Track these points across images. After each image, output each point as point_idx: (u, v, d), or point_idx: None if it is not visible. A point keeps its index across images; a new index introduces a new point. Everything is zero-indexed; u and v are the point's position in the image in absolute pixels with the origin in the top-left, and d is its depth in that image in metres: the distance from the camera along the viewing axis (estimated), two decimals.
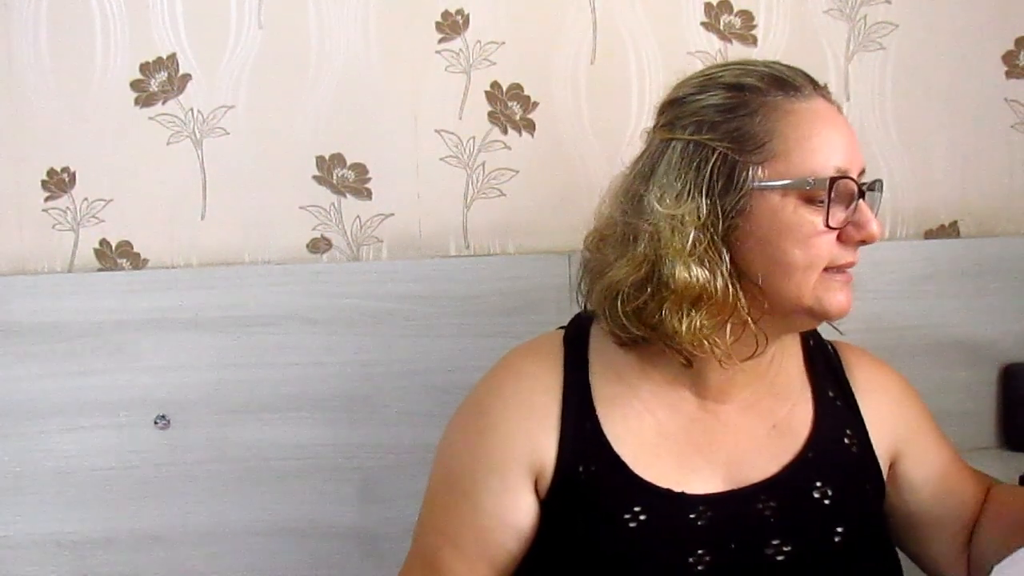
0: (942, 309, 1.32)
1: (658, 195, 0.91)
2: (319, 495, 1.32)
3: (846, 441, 0.99)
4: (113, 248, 1.34)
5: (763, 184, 0.89)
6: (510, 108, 1.35)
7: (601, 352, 0.98)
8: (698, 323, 0.90)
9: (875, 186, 0.93)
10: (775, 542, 0.93)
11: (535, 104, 1.35)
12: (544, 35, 1.35)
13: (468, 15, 1.34)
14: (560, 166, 1.34)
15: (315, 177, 1.35)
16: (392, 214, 1.36)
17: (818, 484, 0.96)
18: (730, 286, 0.90)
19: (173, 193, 1.34)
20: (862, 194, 0.90)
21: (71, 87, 1.33)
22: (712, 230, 0.90)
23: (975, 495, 1.01)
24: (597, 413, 0.96)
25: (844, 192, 0.90)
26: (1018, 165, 1.37)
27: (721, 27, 1.35)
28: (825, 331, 1.05)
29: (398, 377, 1.30)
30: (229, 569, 1.32)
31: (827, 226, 0.89)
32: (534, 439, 0.95)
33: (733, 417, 0.98)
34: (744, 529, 0.94)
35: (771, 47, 1.35)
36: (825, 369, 1.03)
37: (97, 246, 1.34)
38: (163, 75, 1.33)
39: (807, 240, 0.89)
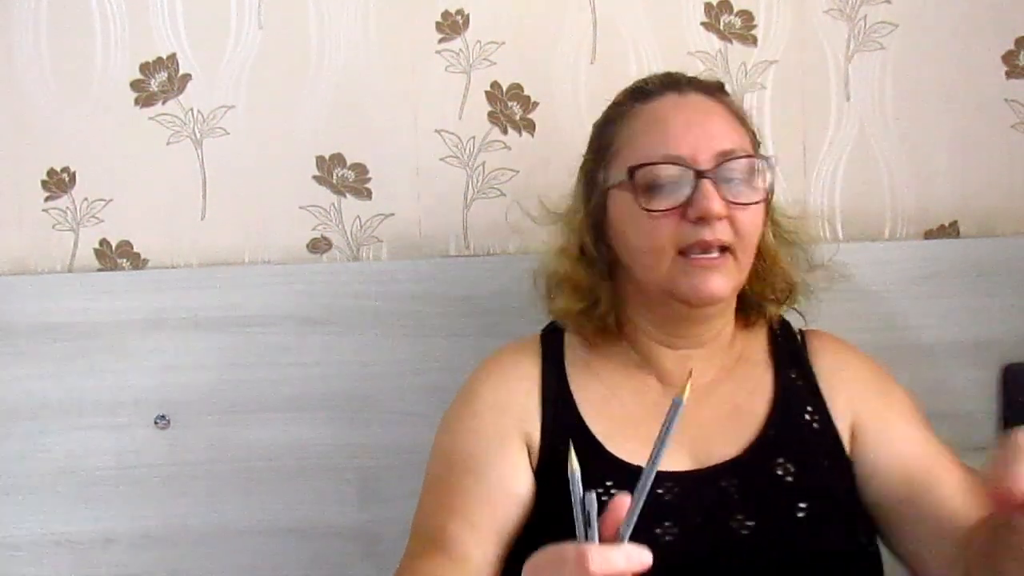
0: (942, 309, 1.32)
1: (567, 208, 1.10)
2: (319, 495, 1.32)
3: (807, 417, 1.02)
4: (113, 248, 1.34)
5: (608, 184, 1.02)
6: (510, 108, 1.35)
7: (574, 347, 1.08)
8: (565, 305, 1.06)
9: (731, 162, 0.98)
10: (739, 517, 0.96)
11: (535, 104, 1.35)
12: (544, 35, 1.35)
13: (468, 15, 1.34)
14: (560, 166, 1.34)
15: (315, 177, 1.35)
16: (392, 214, 1.36)
17: (779, 461, 0.98)
18: (600, 278, 1.04)
19: (173, 193, 1.34)
20: (700, 175, 0.96)
21: (71, 87, 1.33)
22: (585, 230, 1.05)
23: (962, 500, 0.98)
24: (573, 397, 1.04)
25: (649, 178, 0.98)
26: (1018, 165, 1.37)
27: (721, 27, 1.35)
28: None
29: (398, 377, 1.30)
30: (229, 569, 1.32)
31: (645, 209, 0.97)
32: (523, 412, 1.03)
33: (694, 401, 1.00)
34: (709, 504, 0.97)
35: (771, 47, 1.35)
36: (788, 354, 1.07)
37: (97, 246, 1.34)
38: (163, 75, 1.33)
39: (640, 225, 0.99)
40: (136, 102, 1.34)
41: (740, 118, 1.06)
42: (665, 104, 1.03)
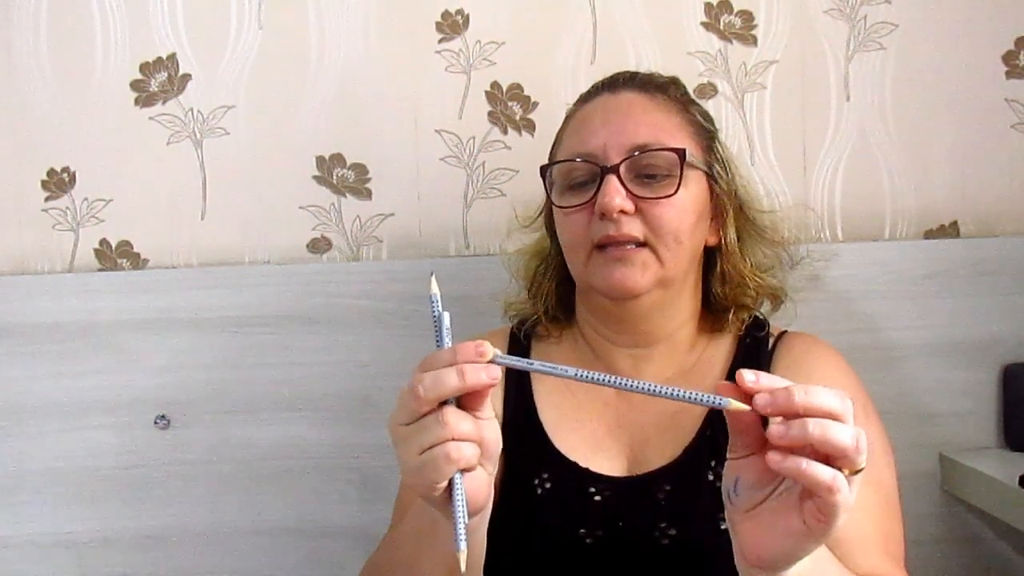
0: (942, 309, 1.32)
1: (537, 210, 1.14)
2: (319, 495, 1.32)
3: None
4: (113, 248, 1.34)
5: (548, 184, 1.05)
6: (510, 108, 1.35)
7: (542, 338, 1.11)
8: (517, 302, 1.13)
9: (642, 156, 0.97)
10: (662, 525, 0.95)
11: (535, 104, 1.35)
12: (544, 35, 1.35)
13: (468, 15, 1.34)
14: None
15: (315, 177, 1.35)
16: (392, 214, 1.36)
17: (712, 464, 0.96)
18: (552, 276, 1.09)
19: (173, 193, 1.34)
20: (606, 171, 0.96)
21: (71, 87, 1.33)
22: (544, 230, 1.11)
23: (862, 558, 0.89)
24: (532, 386, 1.05)
25: (564, 176, 1.01)
26: (1018, 165, 1.37)
27: (721, 27, 1.35)
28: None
29: (398, 377, 1.30)
30: (229, 569, 1.32)
31: (558, 207, 1.01)
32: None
33: (643, 402, 1.02)
34: (636, 511, 0.96)
35: (771, 47, 1.35)
36: (750, 356, 1.04)
37: (97, 246, 1.34)
38: (163, 75, 1.33)
39: (561, 223, 1.02)
40: (136, 102, 1.34)
41: (685, 112, 1.03)
42: (595, 104, 1.04)
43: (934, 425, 1.31)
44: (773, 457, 0.65)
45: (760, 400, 0.66)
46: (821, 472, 0.64)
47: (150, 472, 1.31)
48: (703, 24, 1.35)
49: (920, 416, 1.31)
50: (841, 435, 0.65)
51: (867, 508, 0.91)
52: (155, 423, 1.31)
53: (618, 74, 1.07)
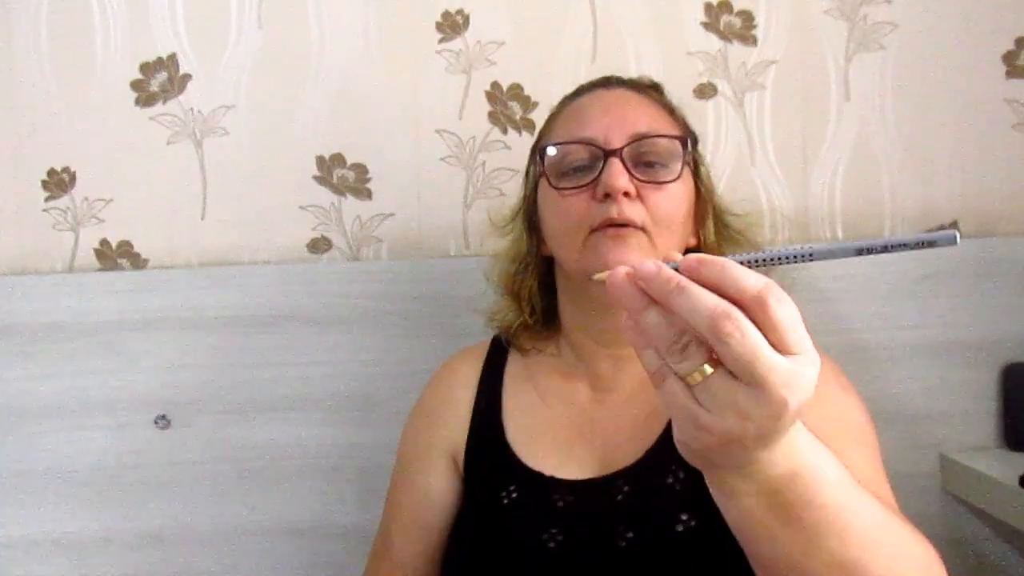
0: (942, 309, 1.32)
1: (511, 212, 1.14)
2: (319, 495, 1.32)
3: None
4: (113, 248, 1.35)
5: (535, 175, 1.06)
6: (510, 108, 1.35)
7: (525, 351, 1.11)
8: (499, 312, 1.12)
9: (643, 142, 0.98)
10: (620, 528, 0.94)
11: (535, 104, 1.35)
12: (544, 35, 1.35)
13: (468, 15, 1.34)
14: None
15: (315, 177, 1.35)
16: (392, 214, 1.36)
17: (672, 467, 0.95)
18: (533, 276, 1.08)
19: (173, 193, 1.34)
20: (610, 153, 0.97)
21: (71, 87, 1.33)
22: (521, 226, 1.10)
23: None
24: (502, 403, 1.07)
25: (562, 160, 1.00)
26: (1018, 165, 1.37)
27: (721, 27, 1.35)
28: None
29: (398, 377, 1.30)
30: (229, 569, 1.32)
31: (556, 188, 1.00)
32: (450, 427, 1.08)
33: (617, 405, 1.03)
34: (597, 514, 0.96)
35: (771, 47, 1.35)
36: None
37: (97, 246, 1.34)
38: (163, 75, 1.33)
39: (555, 205, 1.01)
40: (136, 102, 1.34)
41: (672, 113, 1.06)
42: (590, 97, 1.06)
43: (934, 425, 1.31)
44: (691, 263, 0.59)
45: (692, 263, 0.60)
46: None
47: (150, 472, 1.31)
48: (703, 24, 1.35)
49: (920, 416, 1.31)
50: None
51: (853, 463, 0.87)
52: (155, 423, 1.31)
53: (610, 76, 1.11)
